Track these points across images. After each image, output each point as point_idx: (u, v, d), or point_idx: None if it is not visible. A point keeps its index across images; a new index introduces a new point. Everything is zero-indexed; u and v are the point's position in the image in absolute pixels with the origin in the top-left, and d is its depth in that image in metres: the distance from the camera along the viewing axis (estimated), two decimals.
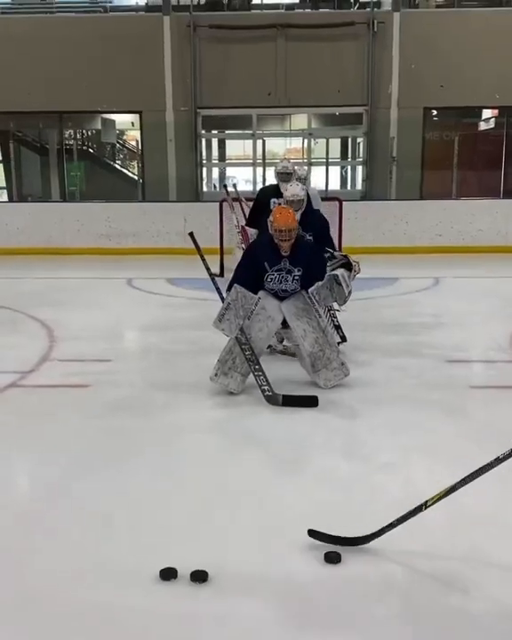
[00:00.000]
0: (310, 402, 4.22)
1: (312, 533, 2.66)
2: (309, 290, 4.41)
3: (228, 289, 4.47)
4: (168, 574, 2.46)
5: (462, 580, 2.43)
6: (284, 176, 5.95)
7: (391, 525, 2.54)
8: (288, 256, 4.43)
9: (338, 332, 5.30)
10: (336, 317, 5.37)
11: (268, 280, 4.45)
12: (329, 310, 4.92)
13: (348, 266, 4.71)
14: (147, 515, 2.95)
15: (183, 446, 3.71)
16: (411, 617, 2.27)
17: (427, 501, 2.48)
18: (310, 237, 5.00)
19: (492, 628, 2.21)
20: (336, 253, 4.97)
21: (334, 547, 2.59)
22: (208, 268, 4.79)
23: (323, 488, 3.18)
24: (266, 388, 4.29)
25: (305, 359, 4.56)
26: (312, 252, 4.58)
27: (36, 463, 3.57)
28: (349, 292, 4.56)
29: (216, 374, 4.44)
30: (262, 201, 5.83)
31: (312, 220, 5.10)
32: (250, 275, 4.48)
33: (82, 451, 3.65)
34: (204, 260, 4.78)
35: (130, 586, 2.45)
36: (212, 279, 4.76)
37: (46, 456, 3.59)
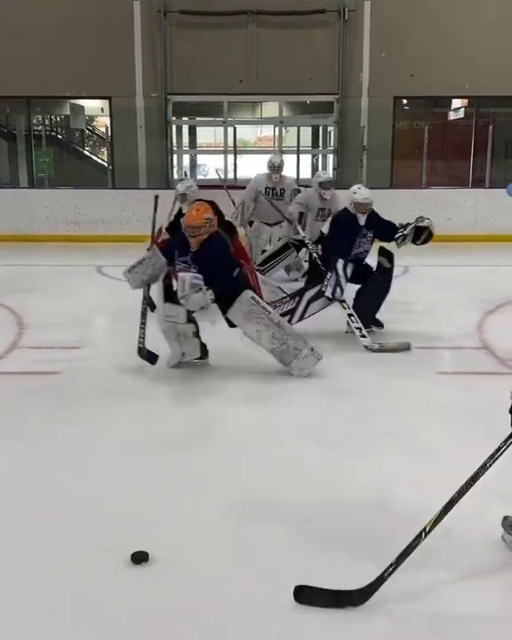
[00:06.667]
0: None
1: (300, 593, 2.23)
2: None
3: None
4: (140, 558, 2.48)
5: None
6: (276, 168, 7.06)
7: (392, 568, 2.23)
8: (194, 252, 4.47)
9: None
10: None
11: (177, 269, 4.60)
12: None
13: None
14: (119, 500, 2.95)
15: (154, 432, 3.71)
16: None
17: (425, 528, 2.27)
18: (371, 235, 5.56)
19: None
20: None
21: None
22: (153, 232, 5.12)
23: (293, 474, 3.21)
24: (141, 340, 4.65)
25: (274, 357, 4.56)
26: (215, 256, 4.45)
27: (7, 450, 3.54)
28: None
29: (170, 362, 4.63)
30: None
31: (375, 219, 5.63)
32: (171, 252, 4.61)
33: (52, 437, 3.64)
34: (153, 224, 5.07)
35: (102, 569, 2.46)
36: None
37: (16, 443, 3.57)
